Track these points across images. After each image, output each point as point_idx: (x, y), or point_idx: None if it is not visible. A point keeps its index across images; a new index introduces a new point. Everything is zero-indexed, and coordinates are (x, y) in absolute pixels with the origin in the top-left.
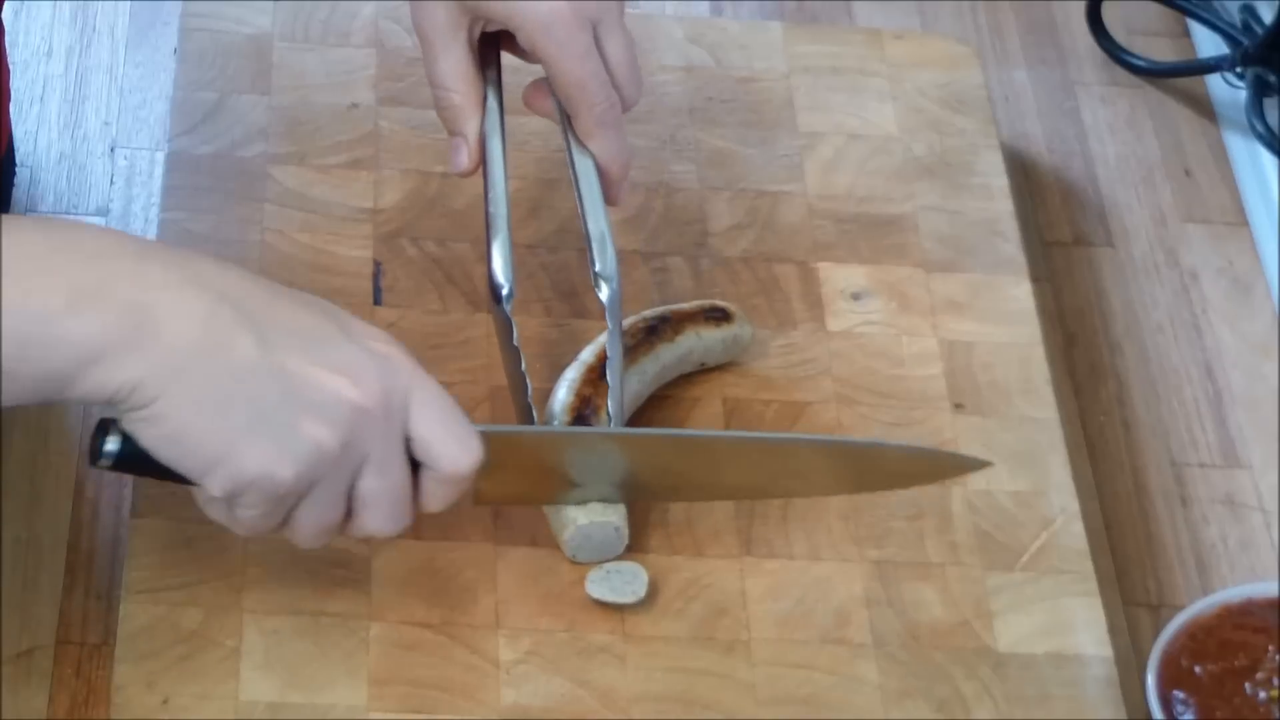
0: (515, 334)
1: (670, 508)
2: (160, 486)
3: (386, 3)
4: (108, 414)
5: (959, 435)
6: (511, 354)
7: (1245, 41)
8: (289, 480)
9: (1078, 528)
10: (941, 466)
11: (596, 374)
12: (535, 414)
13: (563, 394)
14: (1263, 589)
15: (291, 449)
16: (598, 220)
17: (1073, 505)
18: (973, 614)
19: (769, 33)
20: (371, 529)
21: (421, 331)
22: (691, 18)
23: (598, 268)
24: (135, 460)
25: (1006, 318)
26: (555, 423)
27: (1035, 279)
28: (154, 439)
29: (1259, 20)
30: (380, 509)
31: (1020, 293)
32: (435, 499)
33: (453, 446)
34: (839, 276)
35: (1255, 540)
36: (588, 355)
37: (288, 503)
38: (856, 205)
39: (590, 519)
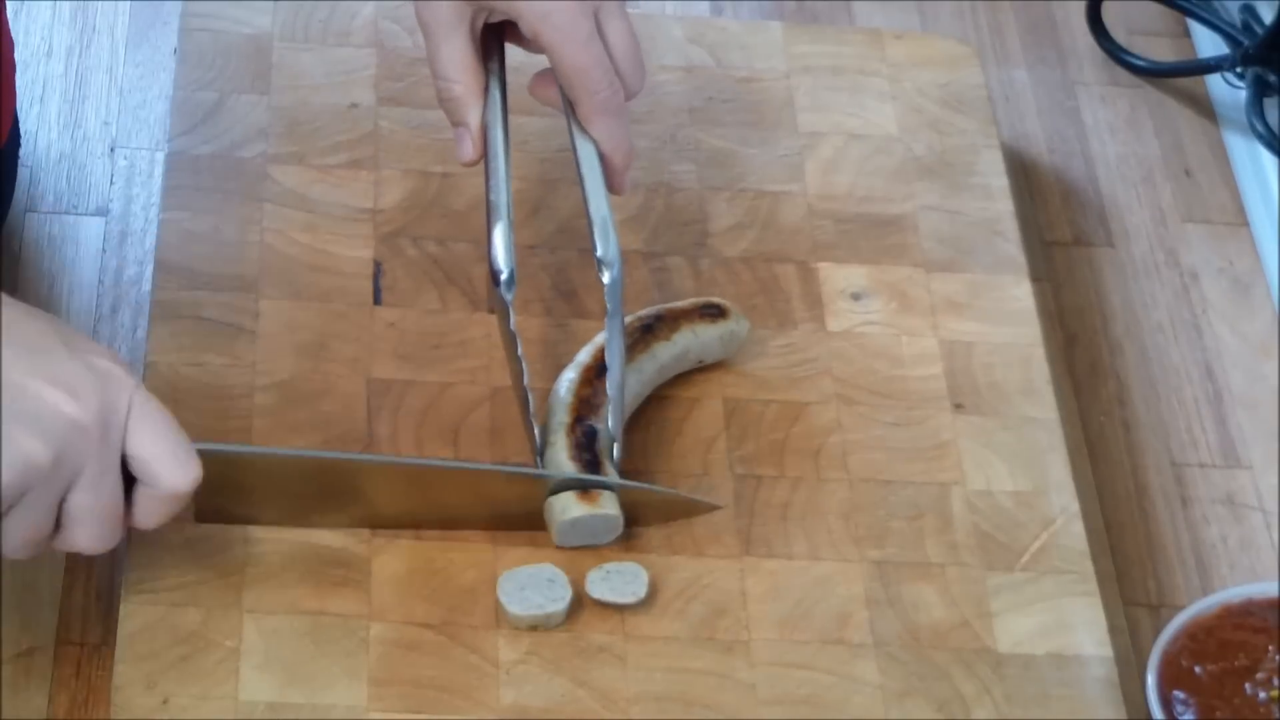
0: (513, 319)
1: None
2: None
3: (386, 3)
4: None
5: (959, 435)
6: (509, 339)
7: (1245, 41)
8: None
9: (1078, 528)
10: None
11: (594, 374)
12: (531, 400)
13: (562, 394)
14: (1263, 589)
15: (2, 459)
16: (600, 206)
17: (1073, 505)
18: (973, 614)
19: (769, 33)
20: (78, 545)
21: (421, 331)
22: (691, 18)
23: (599, 252)
24: None
25: (1006, 318)
26: (555, 419)
27: (1035, 279)
28: None
29: (1259, 20)
30: (89, 525)
31: (1020, 293)
32: (150, 516)
33: (170, 465)
34: (839, 276)
35: (1255, 540)
36: (584, 356)
37: None
38: (856, 205)
39: (579, 513)
